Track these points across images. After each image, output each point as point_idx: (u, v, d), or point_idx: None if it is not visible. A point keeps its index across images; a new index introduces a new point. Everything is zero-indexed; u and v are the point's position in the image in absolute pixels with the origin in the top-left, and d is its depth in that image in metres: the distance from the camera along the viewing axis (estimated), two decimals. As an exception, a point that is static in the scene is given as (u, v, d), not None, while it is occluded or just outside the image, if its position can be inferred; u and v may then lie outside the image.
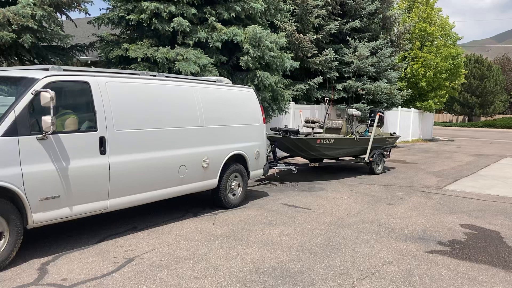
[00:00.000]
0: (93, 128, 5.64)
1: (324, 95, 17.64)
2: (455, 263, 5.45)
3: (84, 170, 5.47)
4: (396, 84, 21.41)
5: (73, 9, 10.21)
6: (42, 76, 5.22)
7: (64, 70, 5.57)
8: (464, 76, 31.54)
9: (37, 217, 5.07)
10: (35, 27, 8.83)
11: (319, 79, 17.52)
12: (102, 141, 5.69)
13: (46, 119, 4.93)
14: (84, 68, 6.20)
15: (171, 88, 6.86)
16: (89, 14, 10.79)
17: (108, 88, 5.86)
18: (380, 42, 19.69)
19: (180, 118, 6.86)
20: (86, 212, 5.61)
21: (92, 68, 6.44)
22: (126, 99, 6.08)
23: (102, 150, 5.69)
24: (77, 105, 5.71)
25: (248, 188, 8.93)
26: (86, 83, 5.65)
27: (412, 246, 6.07)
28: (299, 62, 13.99)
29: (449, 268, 5.25)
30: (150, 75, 6.76)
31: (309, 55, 17.05)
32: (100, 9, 12.15)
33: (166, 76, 7.05)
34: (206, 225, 6.78)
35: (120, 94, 6.01)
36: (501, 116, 60.93)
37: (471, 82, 56.88)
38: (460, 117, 65.73)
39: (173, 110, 6.77)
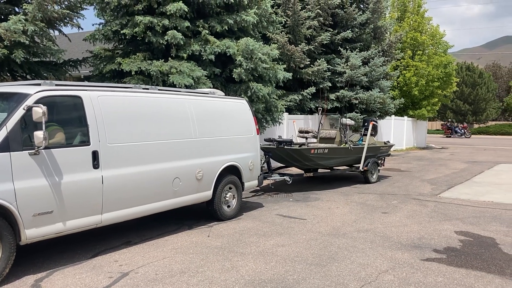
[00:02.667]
0: (86, 142, 5.62)
1: (317, 105, 17.73)
2: (451, 270, 5.44)
3: (77, 185, 5.44)
4: (389, 93, 21.57)
5: (65, 24, 10.24)
6: (33, 91, 5.21)
7: (56, 85, 5.58)
8: (456, 84, 31.74)
9: (30, 233, 5.02)
10: (27, 42, 8.83)
11: (312, 89, 17.62)
12: (95, 155, 5.67)
13: (38, 134, 4.91)
14: (76, 82, 6.19)
15: (164, 101, 6.87)
16: (82, 29, 10.82)
17: (100, 102, 5.86)
18: (372, 52, 19.86)
19: (173, 130, 6.85)
20: (80, 227, 5.57)
21: (85, 83, 6.44)
22: (119, 112, 6.08)
23: (95, 164, 5.67)
24: (69, 119, 5.68)
25: (242, 199, 8.91)
26: (78, 97, 5.65)
27: (407, 254, 6.05)
28: (291, 73, 14.08)
29: (445, 276, 5.24)
30: (143, 89, 6.77)
31: (302, 65, 17.17)
32: (93, 24, 12.19)
33: (159, 89, 7.06)
34: (201, 238, 6.74)
35: (113, 108, 6.01)
36: (494, 122, 61.26)
37: (463, 90, 57.33)
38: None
39: (166, 122, 6.77)
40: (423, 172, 15.43)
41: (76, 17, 10.14)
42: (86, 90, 5.81)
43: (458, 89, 49.16)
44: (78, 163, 5.50)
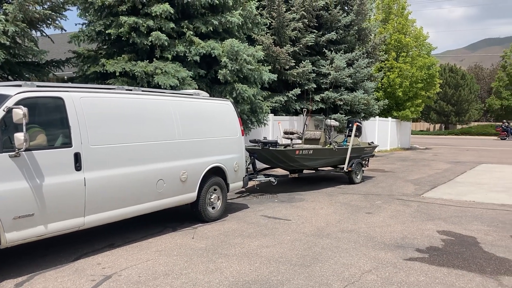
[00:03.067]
0: (68, 144, 5.56)
1: (302, 107, 17.78)
2: (433, 269, 5.50)
3: (59, 187, 5.37)
4: (373, 94, 21.76)
5: (48, 25, 10.11)
6: (14, 92, 5.13)
7: (38, 86, 5.50)
8: (439, 85, 32.15)
9: (11, 236, 4.94)
10: (8, 43, 8.70)
11: (297, 90, 17.68)
12: (77, 157, 5.60)
13: (19, 136, 4.85)
14: (58, 83, 6.12)
15: (147, 102, 6.82)
16: (65, 30, 10.70)
17: (82, 103, 5.79)
18: (356, 54, 20.00)
19: (157, 132, 6.81)
20: (62, 230, 5.49)
21: (67, 84, 6.37)
22: (101, 114, 6.02)
23: (78, 166, 5.60)
24: (51, 121, 5.60)
25: (228, 200, 8.89)
26: (60, 98, 5.58)
27: (390, 254, 6.10)
28: (276, 75, 14.13)
29: (427, 275, 5.29)
30: (126, 90, 6.72)
31: (287, 67, 17.22)
32: (75, 24, 12.06)
33: (143, 91, 7.02)
34: (185, 240, 6.71)
35: (95, 109, 5.95)
36: (476, 123, 62.32)
37: (447, 91, 58.12)
38: (437, 125, 66.93)
39: (150, 124, 6.72)
40: (407, 172, 15.58)
41: (59, 18, 10.03)
42: (68, 91, 5.74)
43: (441, 90, 49.77)
44: (59, 165, 5.43)
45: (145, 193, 6.53)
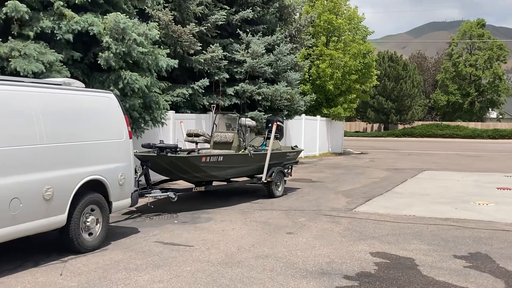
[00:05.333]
0: None
1: (211, 102, 17.81)
2: (362, 300, 5.73)
3: None
4: (298, 88, 22.39)
5: None
6: None
7: None
8: (377, 77, 33.83)
9: None
10: None
11: (205, 81, 17.67)
12: None
13: None
14: None
15: (-5, 94, 6.41)
16: None
17: None
18: (278, 37, 20.48)
19: (8, 134, 6.40)
20: None
21: None
22: None
23: None
24: None
25: (111, 224, 8.64)
26: None
27: (313, 283, 6.27)
28: (177, 60, 13.99)
29: (355, 307, 5.50)
30: (-34, 77, 6.28)
31: (192, 51, 17.17)
32: None
33: (-10, 79, 6.60)
34: (50, 277, 6.39)
35: None
36: (420, 123, 66.42)
37: (386, 84, 61.32)
38: (375, 125, 70.54)
39: (-2, 124, 6.32)
40: (338, 182, 16.21)
41: None
42: None
43: (379, 83, 52.43)
44: None
45: (-7, 216, 6.13)
